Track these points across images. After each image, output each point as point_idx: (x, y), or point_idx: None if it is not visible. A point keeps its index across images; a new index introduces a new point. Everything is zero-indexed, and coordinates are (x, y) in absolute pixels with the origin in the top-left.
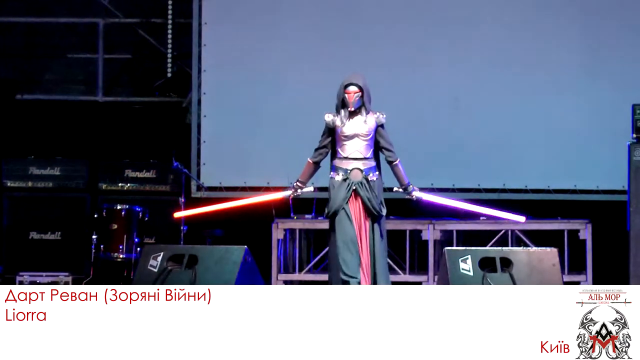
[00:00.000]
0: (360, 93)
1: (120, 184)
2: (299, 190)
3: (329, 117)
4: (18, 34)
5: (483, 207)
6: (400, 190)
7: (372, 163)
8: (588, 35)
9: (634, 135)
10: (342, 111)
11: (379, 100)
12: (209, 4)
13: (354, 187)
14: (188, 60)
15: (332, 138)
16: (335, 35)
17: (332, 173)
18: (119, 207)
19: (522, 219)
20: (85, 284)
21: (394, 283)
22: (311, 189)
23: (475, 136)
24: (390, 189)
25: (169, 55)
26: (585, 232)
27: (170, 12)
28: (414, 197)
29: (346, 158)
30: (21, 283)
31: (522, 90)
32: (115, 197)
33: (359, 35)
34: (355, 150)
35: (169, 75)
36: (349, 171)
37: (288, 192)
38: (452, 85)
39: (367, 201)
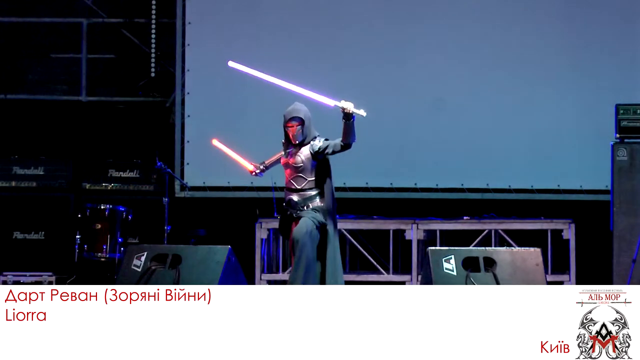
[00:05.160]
0: (301, 126)
1: (103, 184)
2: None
3: (283, 144)
4: (1, 34)
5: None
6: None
7: (310, 194)
8: (571, 36)
9: (617, 135)
10: (287, 143)
11: (365, 101)
12: (193, 4)
13: (294, 216)
14: (172, 60)
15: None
16: (319, 34)
17: None
18: (102, 207)
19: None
20: (69, 284)
21: (377, 283)
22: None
23: (458, 136)
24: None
25: (153, 55)
26: (569, 232)
27: (153, 12)
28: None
29: (286, 188)
30: (5, 283)
31: (506, 90)
32: (99, 196)
33: (343, 35)
34: (289, 181)
35: (153, 75)
36: (286, 202)
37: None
38: (436, 86)
39: (309, 218)
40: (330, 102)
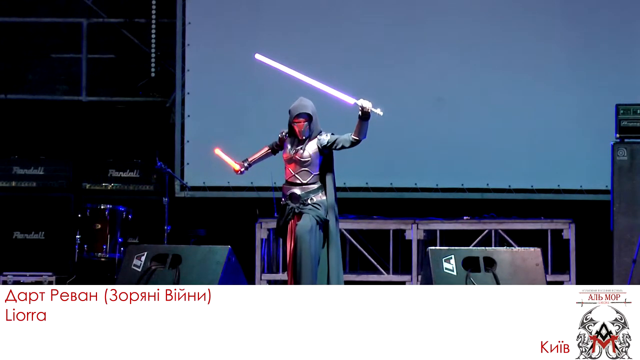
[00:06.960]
0: (308, 122)
1: (103, 184)
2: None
3: (281, 134)
4: (1, 34)
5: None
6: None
7: (313, 187)
8: (572, 37)
9: (617, 135)
10: (291, 138)
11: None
12: (193, 4)
13: (296, 211)
14: (172, 60)
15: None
16: (319, 35)
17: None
18: (102, 207)
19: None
20: (69, 284)
21: (377, 283)
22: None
23: (458, 136)
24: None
25: (153, 55)
26: (569, 232)
27: (153, 12)
28: (361, 105)
29: (287, 182)
30: (5, 283)
31: (506, 90)
32: (99, 196)
33: (343, 35)
34: (293, 175)
35: (153, 75)
36: (287, 196)
37: (237, 166)
38: (436, 86)
39: (312, 216)
40: (350, 99)
